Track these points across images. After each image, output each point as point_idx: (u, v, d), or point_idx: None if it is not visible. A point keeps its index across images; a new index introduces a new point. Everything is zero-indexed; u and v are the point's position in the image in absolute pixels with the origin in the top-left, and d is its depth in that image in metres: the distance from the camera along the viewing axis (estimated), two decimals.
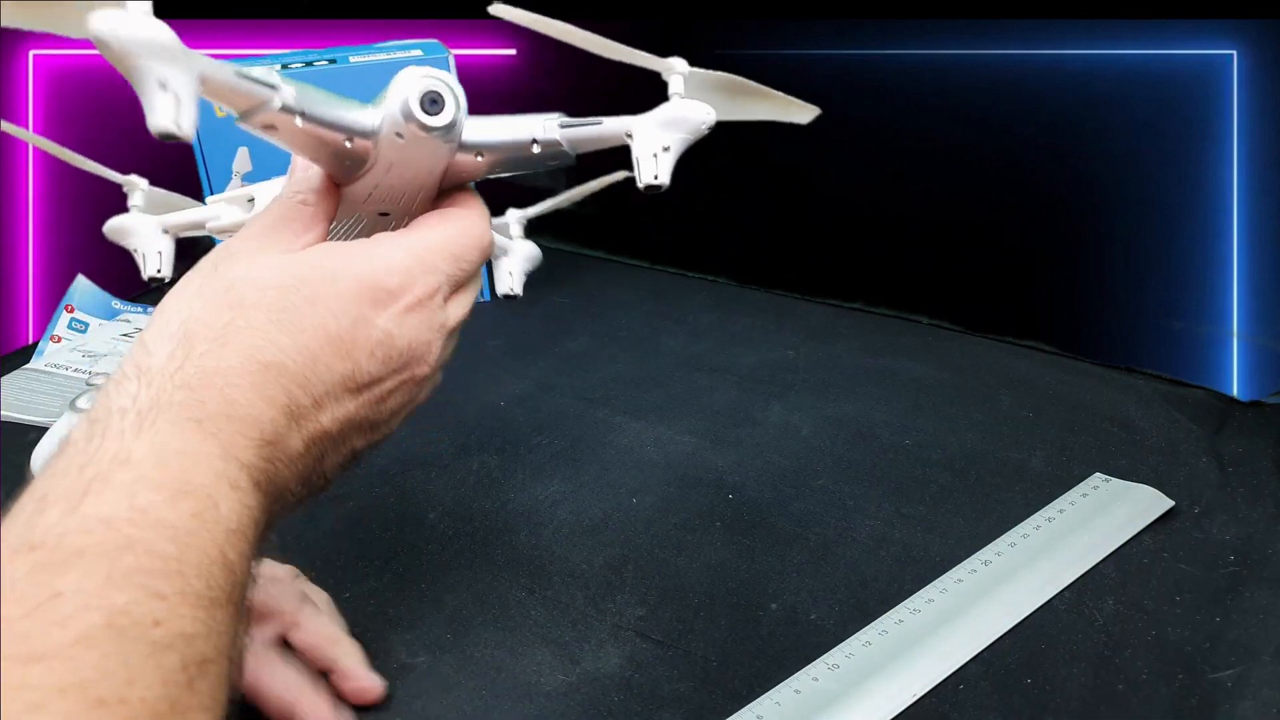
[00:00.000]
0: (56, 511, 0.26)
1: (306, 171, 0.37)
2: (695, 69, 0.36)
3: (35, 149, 1.15)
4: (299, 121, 0.33)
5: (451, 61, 0.78)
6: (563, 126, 0.37)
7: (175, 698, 0.25)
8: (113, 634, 0.24)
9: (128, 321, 0.82)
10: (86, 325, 0.82)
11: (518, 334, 0.80)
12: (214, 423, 0.30)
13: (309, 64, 0.76)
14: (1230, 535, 0.54)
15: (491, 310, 0.85)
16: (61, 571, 0.25)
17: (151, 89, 0.29)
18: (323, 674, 0.46)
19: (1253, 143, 0.84)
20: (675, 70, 0.36)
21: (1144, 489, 0.57)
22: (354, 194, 0.36)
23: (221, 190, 0.76)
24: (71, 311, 0.82)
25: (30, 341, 0.81)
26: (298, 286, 0.32)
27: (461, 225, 0.36)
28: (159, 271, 0.42)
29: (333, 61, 0.76)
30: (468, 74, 0.79)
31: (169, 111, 0.29)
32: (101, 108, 1.20)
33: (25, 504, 0.27)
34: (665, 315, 0.82)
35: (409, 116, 0.34)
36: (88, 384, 0.71)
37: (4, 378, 0.75)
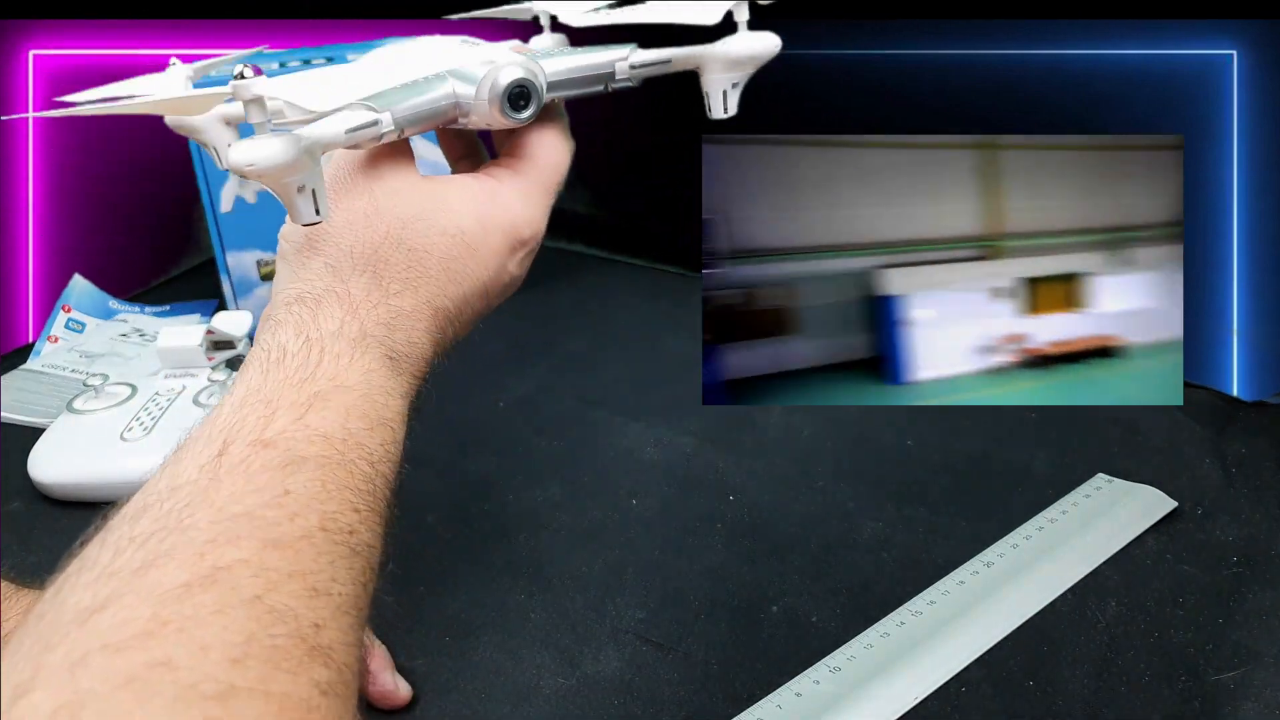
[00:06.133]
0: (285, 419, 0.31)
1: None
2: None
3: (35, 148, 1.15)
4: (397, 136, 0.37)
5: None
6: (634, 67, 0.41)
7: (358, 596, 0.29)
8: (325, 536, 0.29)
9: (125, 321, 0.82)
10: (84, 325, 0.82)
11: (517, 335, 0.80)
12: (403, 362, 0.36)
13: (306, 63, 0.76)
14: (1233, 536, 0.54)
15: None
16: (291, 473, 0.29)
17: (292, 196, 0.33)
18: None
19: (1253, 143, 0.83)
20: None
21: (1147, 490, 0.57)
22: None
23: (217, 192, 0.76)
24: (69, 311, 0.82)
25: (28, 341, 0.81)
26: (460, 235, 0.38)
27: (561, 157, 0.41)
28: None
29: (330, 60, 0.76)
30: None
31: (309, 212, 0.33)
32: None
33: (252, 404, 0.31)
34: (665, 315, 0.82)
35: (495, 104, 0.38)
36: (84, 384, 0.71)
37: (1, 378, 0.74)
